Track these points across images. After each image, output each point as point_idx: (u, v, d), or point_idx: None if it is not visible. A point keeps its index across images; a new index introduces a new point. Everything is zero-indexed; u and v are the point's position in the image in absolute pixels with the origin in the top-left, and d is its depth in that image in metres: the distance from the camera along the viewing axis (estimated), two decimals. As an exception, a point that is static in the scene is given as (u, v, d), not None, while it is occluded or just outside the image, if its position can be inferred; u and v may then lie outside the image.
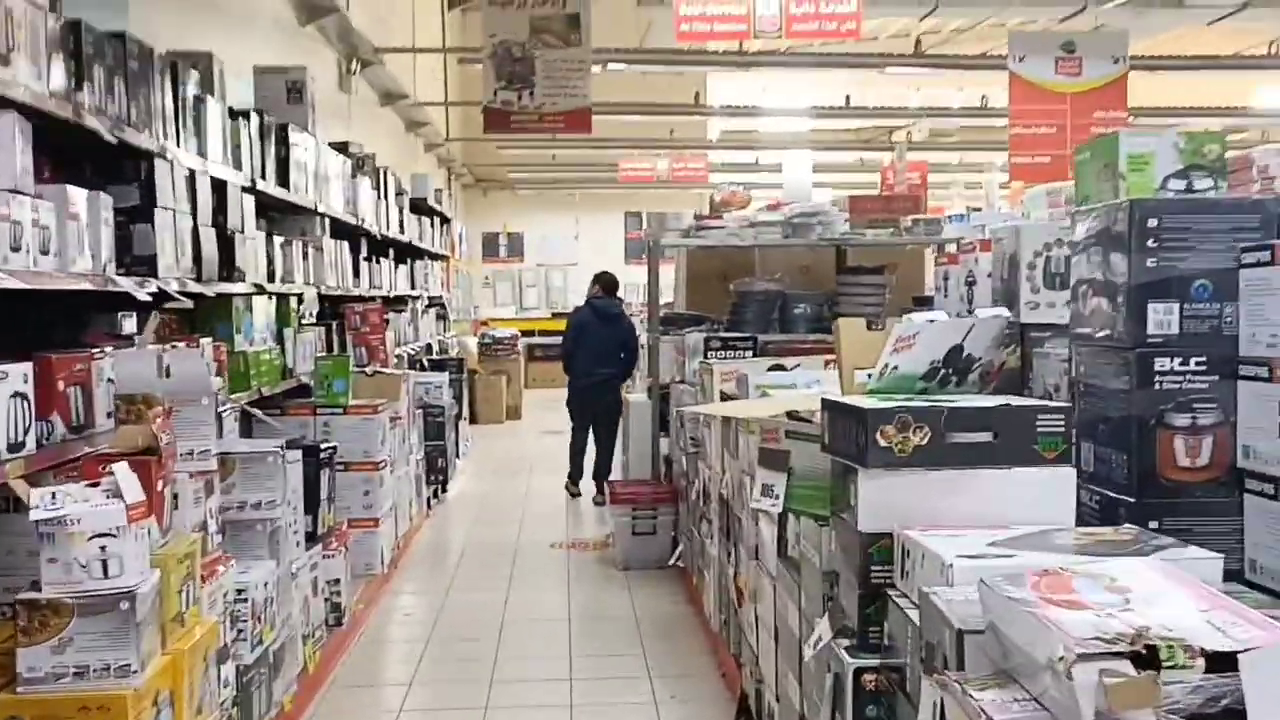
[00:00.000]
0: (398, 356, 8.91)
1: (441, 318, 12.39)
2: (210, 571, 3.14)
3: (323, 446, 4.82)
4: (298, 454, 4.22)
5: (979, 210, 10.15)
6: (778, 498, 2.71)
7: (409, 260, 10.37)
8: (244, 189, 4.85)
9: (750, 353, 5.98)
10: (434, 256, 12.27)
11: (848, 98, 13.78)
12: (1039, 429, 2.32)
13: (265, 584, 3.57)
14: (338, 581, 4.75)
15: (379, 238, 8.29)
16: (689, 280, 7.61)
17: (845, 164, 20.44)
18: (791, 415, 2.77)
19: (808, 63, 11.59)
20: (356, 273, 7.60)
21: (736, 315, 6.88)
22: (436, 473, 8.44)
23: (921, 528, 2.19)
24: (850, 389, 2.71)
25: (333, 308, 7.27)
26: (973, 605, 1.76)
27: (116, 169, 3.82)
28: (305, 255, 5.98)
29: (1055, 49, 8.22)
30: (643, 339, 10.60)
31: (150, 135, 3.75)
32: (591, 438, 8.85)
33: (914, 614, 2.02)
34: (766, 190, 18.37)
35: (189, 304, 4.17)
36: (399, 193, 9.92)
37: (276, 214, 6.19)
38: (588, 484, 8.84)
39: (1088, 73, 8.17)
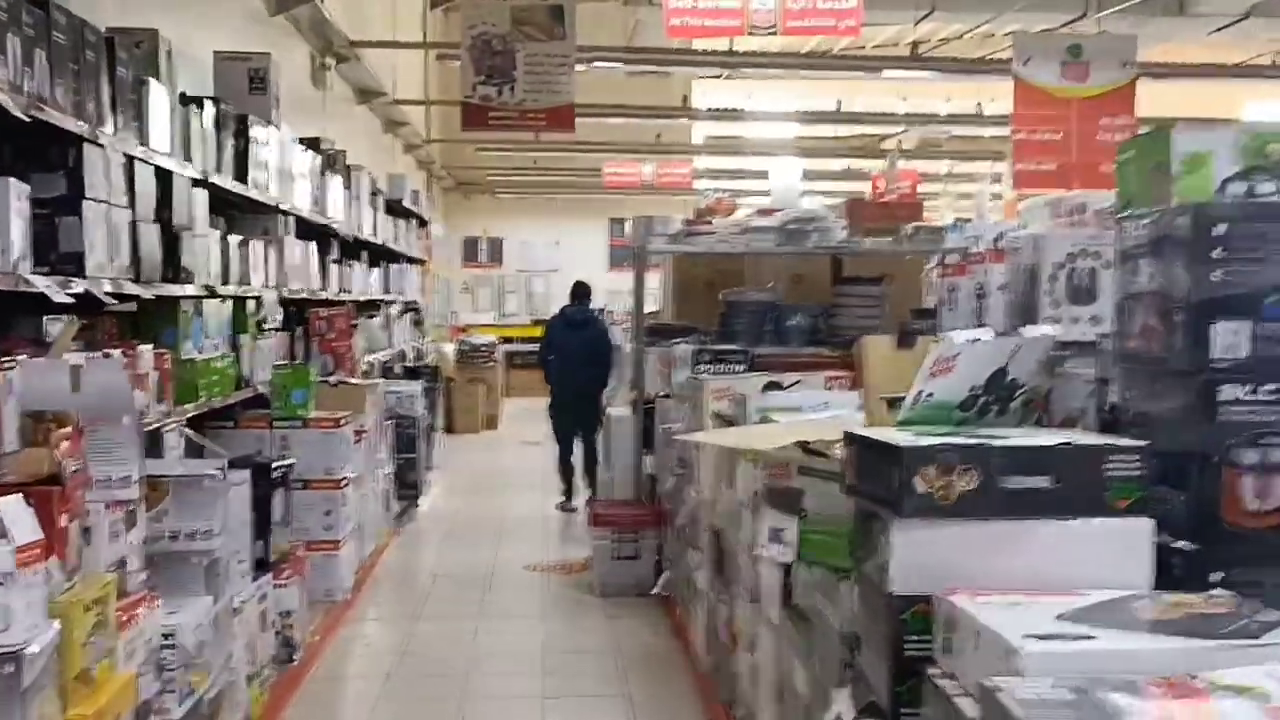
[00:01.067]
0: (368, 364, 8.49)
1: (417, 323, 11.97)
2: (129, 616, 2.72)
3: (276, 464, 4.40)
4: (244, 474, 3.80)
5: (969, 221, 9.80)
6: (788, 545, 2.31)
7: (383, 263, 9.95)
8: (195, 182, 4.44)
9: (743, 367, 5.58)
10: (410, 260, 11.85)
11: (839, 102, 13.44)
12: (1109, 472, 1.94)
13: (199, 625, 3.15)
14: (290, 614, 4.33)
15: (350, 239, 7.87)
16: (676, 289, 7.22)
17: (832, 171, 20.10)
18: (805, 448, 2.38)
19: (799, 64, 11.24)
20: (324, 275, 7.18)
21: (727, 326, 6.49)
22: (407, 487, 8.02)
23: (968, 591, 1.81)
24: (877, 418, 2.32)
25: (299, 312, 6.85)
26: (1057, 712, 1.37)
27: (40, 155, 3.41)
28: (266, 256, 5.56)
29: (1061, 53, 7.88)
30: (626, 348, 10.25)
31: (79, 118, 3.33)
32: (578, 442, 8.81)
33: (968, 706, 1.63)
34: (753, 198, 18.02)
35: (120, 306, 3.75)
36: (374, 193, 9.50)
37: (236, 212, 5.77)
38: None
39: (1095, 78, 7.84)
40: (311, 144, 7.12)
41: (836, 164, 20.34)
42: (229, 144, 5.01)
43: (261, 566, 4.27)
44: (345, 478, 5.31)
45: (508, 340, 17.58)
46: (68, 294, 3.15)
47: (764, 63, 10.54)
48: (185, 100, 4.49)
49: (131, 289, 3.66)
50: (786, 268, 7.18)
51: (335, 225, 7.28)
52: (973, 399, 2.30)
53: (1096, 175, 8.06)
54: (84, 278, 3.37)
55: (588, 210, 21.33)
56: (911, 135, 16.63)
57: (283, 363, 5.42)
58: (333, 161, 7.63)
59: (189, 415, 4.34)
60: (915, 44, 9.31)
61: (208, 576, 3.29)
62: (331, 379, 5.79)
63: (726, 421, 3.63)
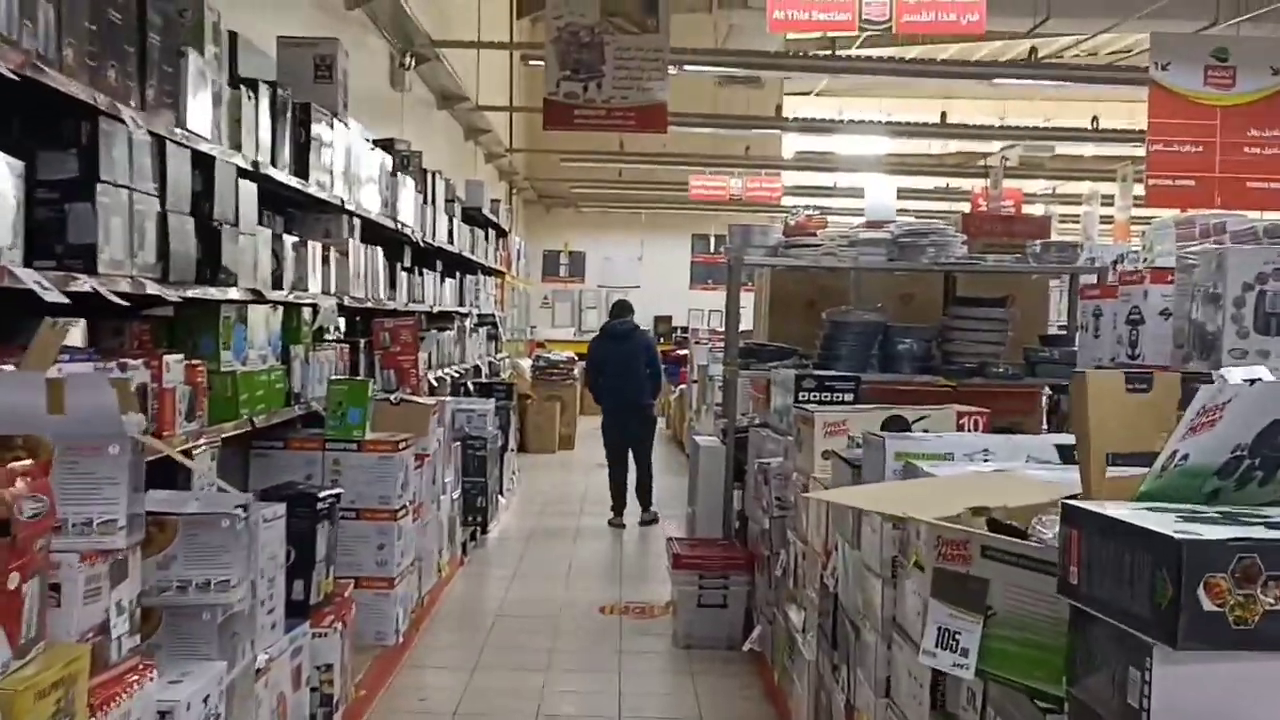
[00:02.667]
0: (438, 379, 7.99)
1: (493, 337, 11.49)
2: (110, 694, 2.18)
3: (321, 495, 3.86)
4: (278, 509, 3.26)
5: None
6: (966, 653, 1.67)
7: (458, 274, 9.48)
8: (242, 173, 3.94)
9: (851, 396, 4.94)
10: (487, 271, 11.39)
11: (943, 114, 12.70)
12: None
13: (208, 696, 2.61)
14: (330, 667, 3.78)
15: (421, 245, 7.38)
16: (772, 306, 6.59)
17: (925, 190, 19.30)
18: (991, 522, 1.74)
19: (903, 70, 10.54)
20: (393, 284, 6.69)
21: (829, 349, 5.85)
22: (475, 513, 7.48)
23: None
24: (1096, 484, 1.67)
25: (364, 322, 6.37)
26: None
27: (53, 130, 2.92)
28: (325, 259, 5.07)
29: (1205, 56, 7.09)
30: (717, 370, 9.64)
31: (94, 87, 2.83)
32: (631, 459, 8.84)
33: None
34: (843, 217, 17.31)
35: (158, 310, 3.25)
36: (450, 199, 9.04)
37: (295, 210, 5.30)
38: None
39: (1242, 84, 7.04)
40: (384, 145, 6.66)
41: (929, 182, 19.54)
42: (287, 134, 4.52)
43: (300, 611, 3.73)
44: (403, 507, 4.77)
45: (586, 356, 17.06)
46: (66, 292, 2.64)
47: (865, 67, 9.86)
48: (236, 82, 4.00)
49: (155, 290, 3.15)
50: (895, 286, 6.52)
51: (407, 230, 6.79)
52: (1234, 462, 1.64)
53: (1244, 192, 7.26)
54: (95, 274, 2.86)
55: (671, 225, 20.81)
56: (1013, 152, 15.78)
57: (339, 378, 4.91)
58: (406, 162, 7.16)
59: (227, 435, 3.83)
60: (1033, 48, 8.58)
61: (223, 635, 2.75)
62: (393, 397, 5.27)
63: (849, 466, 2.99)
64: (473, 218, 10.31)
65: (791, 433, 4.84)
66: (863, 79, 21.58)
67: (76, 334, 3.22)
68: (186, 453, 3.49)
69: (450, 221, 8.86)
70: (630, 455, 8.81)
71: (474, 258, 10.11)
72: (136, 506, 2.34)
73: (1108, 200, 14.23)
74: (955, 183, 18.42)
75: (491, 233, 11.62)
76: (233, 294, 3.84)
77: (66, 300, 2.61)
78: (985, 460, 2.49)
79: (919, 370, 5.85)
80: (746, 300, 7.72)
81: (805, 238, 5.93)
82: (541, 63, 7.86)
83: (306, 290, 4.73)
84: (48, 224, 2.85)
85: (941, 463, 2.48)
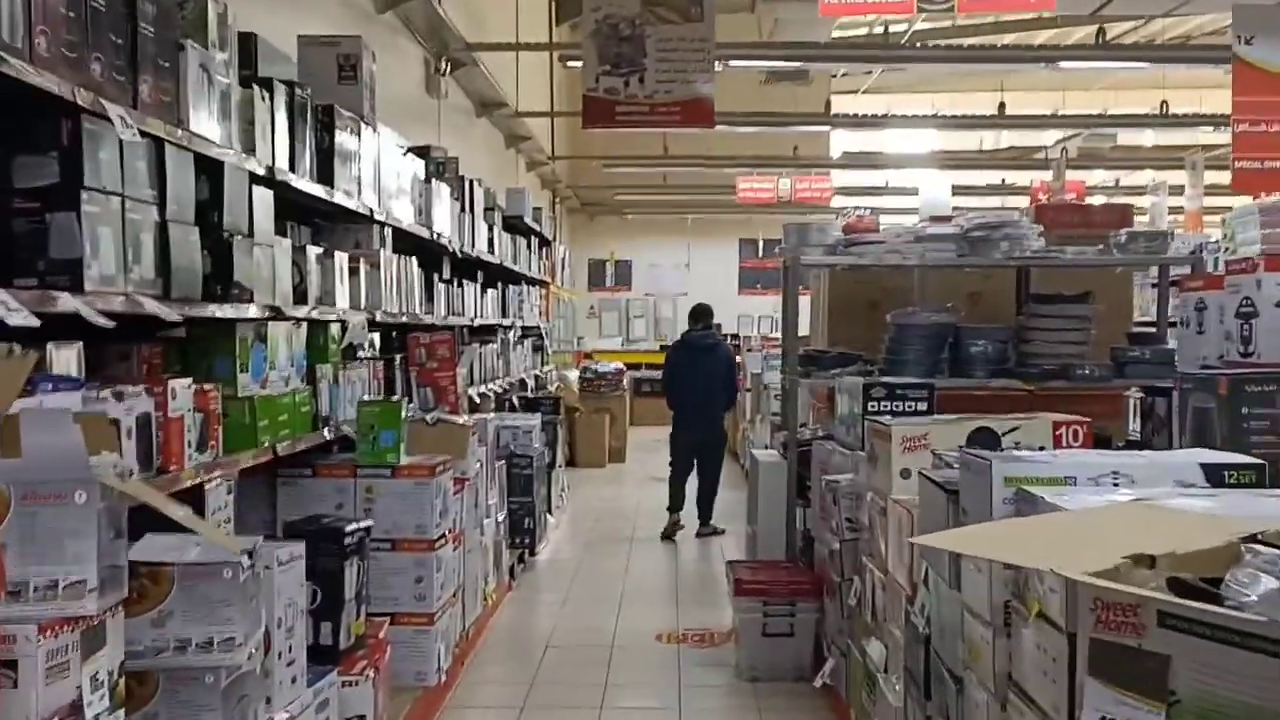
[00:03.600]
0: (480, 395, 7.66)
1: (538, 349, 11.15)
2: (84, 788, 1.84)
3: (348, 529, 3.52)
4: (296, 550, 2.92)
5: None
6: (1142, 753, 1.27)
7: (500, 285, 9.16)
8: (257, 179, 3.62)
9: (925, 405, 4.52)
10: (531, 281, 11.06)
11: (1002, 104, 12.19)
12: None
13: (209, 775, 2.27)
14: (363, 719, 3.44)
15: (460, 256, 7.06)
16: (831, 309, 6.18)
17: (979, 186, 18.71)
18: (1174, 581, 1.34)
19: (965, 56, 10.08)
20: (429, 296, 6.37)
21: (895, 354, 5.44)
22: (522, 534, 7.14)
23: None
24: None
25: (400, 338, 6.04)
26: None
27: (31, 131, 2.61)
28: (354, 272, 4.74)
29: (1293, 27, 6.60)
30: (772, 379, 9.24)
31: (75, 82, 2.51)
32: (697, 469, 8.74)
33: None
34: (895, 216, 16.81)
35: (174, 332, 2.93)
36: (490, 208, 8.71)
37: (322, 221, 4.99)
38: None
39: (1335, 56, 6.53)
40: (419, 151, 6.35)
41: (983, 178, 18.98)
42: (308, 138, 4.20)
43: (327, 657, 3.40)
44: (442, 536, 4.42)
45: (634, 367, 16.72)
46: (42, 314, 2.31)
47: (922, 54, 9.41)
48: (249, 81, 3.69)
49: (153, 308, 2.83)
50: (961, 284, 6.10)
51: (443, 240, 6.47)
52: None
53: (1340, 172, 6.73)
54: (81, 292, 2.54)
55: (718, 230, 20.43)
56: (1071, 144, 15.21)
57: (370, 398, 4.58)
58: (441, 169, 6.84)
59: (246, 465, 3.51)
60: (1101, 29, 8.09)
61: (229, 700, 2.41)
62: (429, 417, 4.93)
63: (942, 491, 2.59)
64: (515, 226, 9.98)
65: (863, 447, 4.44)
66: (912, 74, 21.23)
67: (70, 360, 2.91)
68: (198, 487, 3.17)
69: (491, 230, 8.53)
70: (696, 465, 8.72)
71: (516, 268, 9.78)
72: (115, 559, 2.00)
73: (1175, 190, 13.62)
74: (1011, 178, 17.83)
75: (535, 241, 11.28)
76: (248, 311, 3.52)
77: (36, 323, 2.28)
78: (1117, 485, 2.09)
79: (993, 374, 5.42)
80: (802, 304, 7.32)
81: (866, 234, 5.51)
82: (580, 63, 7.52)
83: (333, 305, 4.40)
84: (27, 237, 2.55)
85: (1064, 490, 2.07)
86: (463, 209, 7.38)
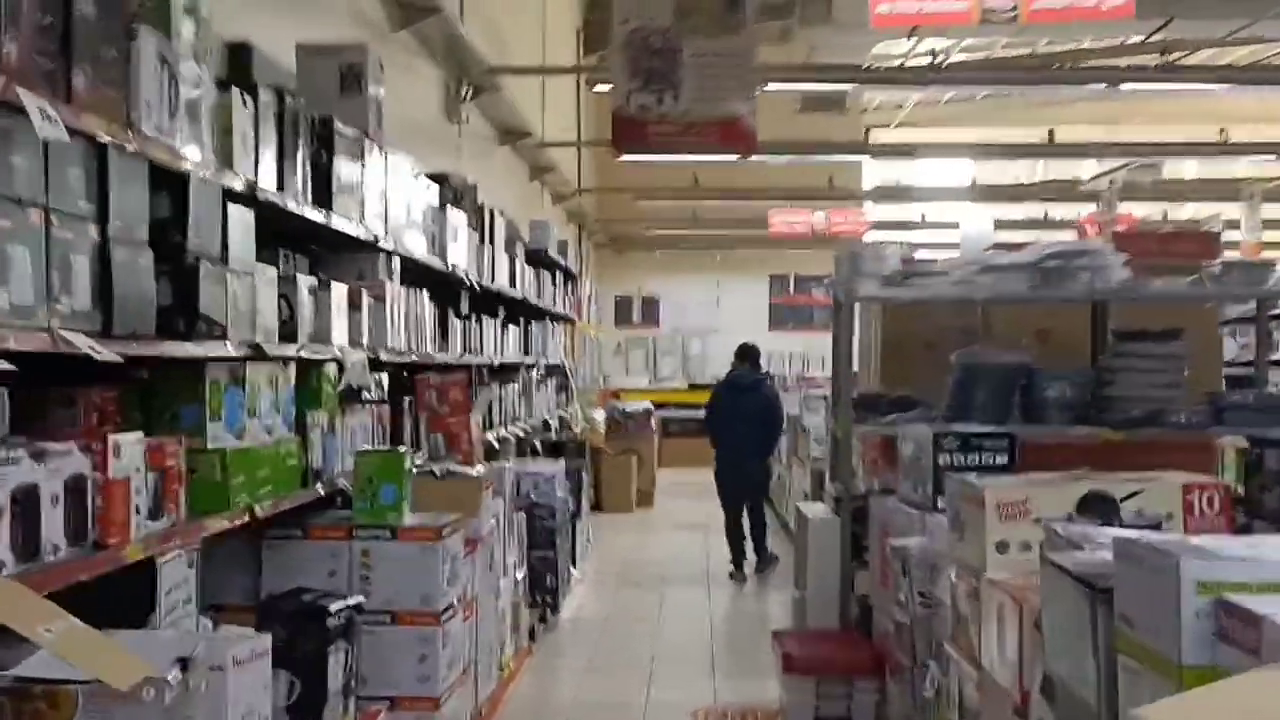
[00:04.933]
0: (500, 439, 7.12)
1: (563, 389, 10.62)
2: None
3: (333, 608, 2.97)
4: (256, 646, 2.37)
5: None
6: None
7: (523, 321, 8.64)
8: (233, 196, 3.11)
9: (1004, 458, 3.95)
10: (556, 318, 10.55)
11: (1051, 132, 11.63)
12: None
13: None
14: (346, 840, 2.87)
15: (478, 290, 6.54)
16: (884, 349, 5.61)
17: (1018, 220, 18.08)
18: None
19: (1021, 79, 9.53)
20: (444, 334, 5.84)
21: (961, 399, 4.85)
22: (544, 592, 6.56)
23: None
24: None
25: (411, 378, 5.51)
26: None
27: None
28: (355, 305, 4.22)
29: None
30: (812, 423, 8.66)
31: (-21, 62, 2.01)
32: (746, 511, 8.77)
33: None
34: (933, 251, 16.22)
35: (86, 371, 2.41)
36: (511, 239, 8.21)
37: (320, 248, 4.48)
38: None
39: None
40: (435, 178, 5.86)
41: (1021, 212, 18.37)
42: (300, 153, 3.70)
43: (307, 765, 2.84)
44: (449, 606, 3.86)
45: (661, 406, 16.15)
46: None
47: (971, 77, 8.88)
48: (227, 84, 3.19)
49: (85, 347, 2.30)
50: (1029, 322, 5.51)
51: (459, 272, 5.95)
52: None
53: None
54: (-19, 326, 2.02)
55: (748, 266, 19.89)
56: (1116, 176, 14.59)
57: (368, 449, 4.03)
58: (458, 196, 6.34)
59: (213, 532, 2.97)
60: (1165, 48, 7.53)
61: None
62: (437, 469, 4.38)
63: (1083, 588, 1.99)
64: (538, 260, 9.48)
65: (933, 506, 3.86)
66: (944, 110, 20.73)
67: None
68: (149, 562, 2.63)
69: (512, 264, 8.02)
70: (744, 505, 8.77)
71: (540, 303, 9.27)
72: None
73: (1230, 224, 12.98)
74: (1054, 212, 17.23)
75: (560, 276, 10.78)
76: (220, 349, 2.99)
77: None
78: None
79: (1072, 421, 4.82)
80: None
81: (927, 265, 4.95)
82: (608, 86, 7.04)
83: (329, 343, 3.88)
84: (-83, 258, 2.03)
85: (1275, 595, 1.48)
86: (482, 240, 6.88)
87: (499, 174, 10.50)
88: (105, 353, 2.33)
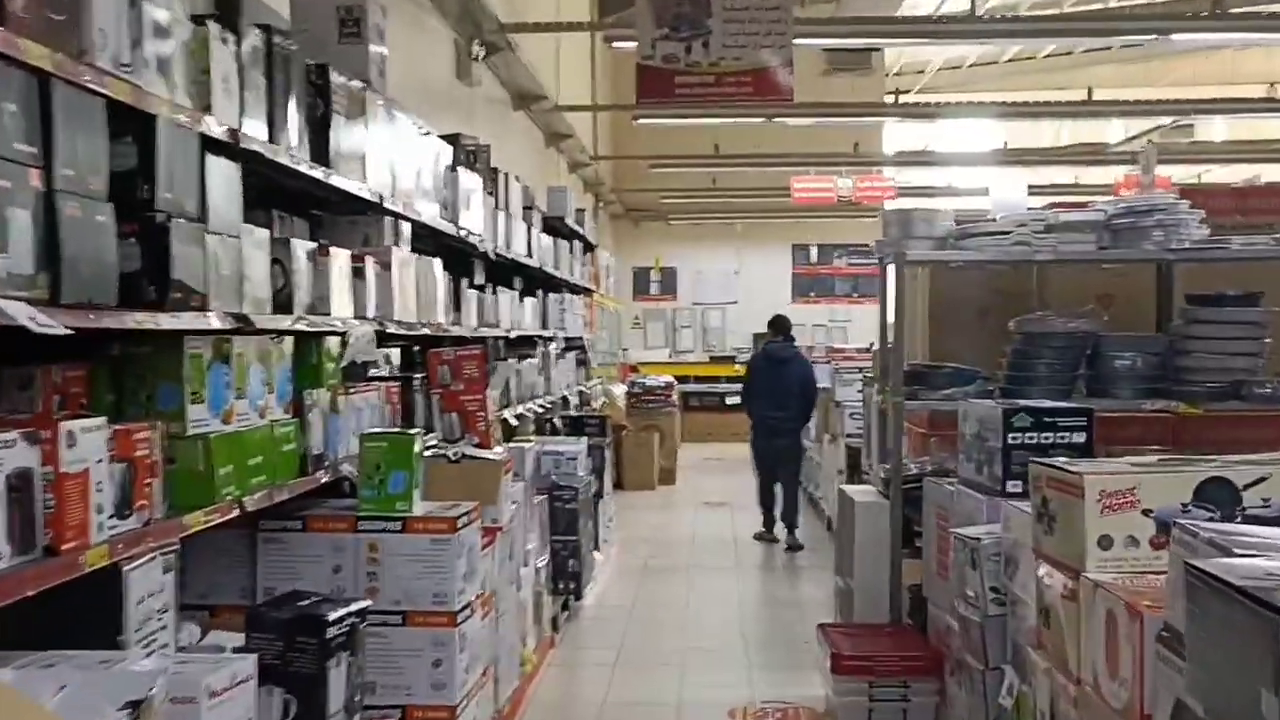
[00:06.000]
0: (518, 417, 6.74)
1: (582, 363, 10.23)
2: None
3: (332, 616, 2.60)
4: (237, 670, 2.00)
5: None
6: None
7: (541, 292, 8.25)
8: (212, 144, 2.72)
9: (1082, 436, 3.55)
10: (574, 289, 10.15)
11: (1090, 90, 11.12)
12: None
13: None
14: None
15: (494, 258, 6.15)
16: (932, 317, 5.20)
17: (1046, 186, 17.55)
18: None
19: (1063, 30, 9.02)
20: (457, 304, 5.46)
21: (1021, 370, 4.46)
22: (567, 578, 6.20)
23: None
24: None
25: (423, 355, 5.13)
26: None
27: None
28: (358, 273, 3.83)
29: None
30: (846, 396, 8.26)
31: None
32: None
33: None
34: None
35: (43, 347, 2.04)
36: (528, 206, 7.80)
37: (322, 212, 4.10)
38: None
39: None
40: (448, 139, 5.47)
41: (1049, 177, 17.84)
42: (292, 102, 3.30)
43: (304, 796, 2.48)
44: (466, 605, 3.49)
45: (682, 380, 15.76)
46: None
47: (1007, 30, 8.38)
48: (204, 18, 2.79)
49: (25, 319, 1.92)
50: (1090, 286, 5.10)
51: (474, 239, 5.56)
52: None
53: None
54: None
55: (769, 236, 19.41)
56: (1139, 141, 14.03)
57: (375, 431, 3.65)
58: (472, 158, 5.94)
59: (194, 530, 2.60)
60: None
61: None
62: (451, 452, 4.00)
63: (1248, 604, 1.61)
64: (556, 229, 9.07)
65: (1000, 490, 3.47)
66: (966, 73, 20.17)
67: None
68: (113, 569, 2.26)
69: (529, 231, 7.62)
70: (778, 475, 8.87)
71: (558, 274, 8.86)
72: None
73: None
74: (1085, 176, 16.71)
75: (578, 246, 10.37)
76: (201, 321, 2.61)
77: None
78: None
79: (1144, 394, 4.42)
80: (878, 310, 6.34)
81: (984, 223, 4.53)
82: (627, 43, 6.60)
83: (329, 314, 3.50)
84: None
85: None
86: (497, 206, 6.47)
87: (514, 140, 10.08)
88: (49, 324, 1.95)
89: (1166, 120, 13.65)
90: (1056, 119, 13.87)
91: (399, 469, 3.48)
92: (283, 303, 3.22)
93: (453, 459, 3.93)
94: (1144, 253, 4.32)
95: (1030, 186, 15.90)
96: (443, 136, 5.38)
